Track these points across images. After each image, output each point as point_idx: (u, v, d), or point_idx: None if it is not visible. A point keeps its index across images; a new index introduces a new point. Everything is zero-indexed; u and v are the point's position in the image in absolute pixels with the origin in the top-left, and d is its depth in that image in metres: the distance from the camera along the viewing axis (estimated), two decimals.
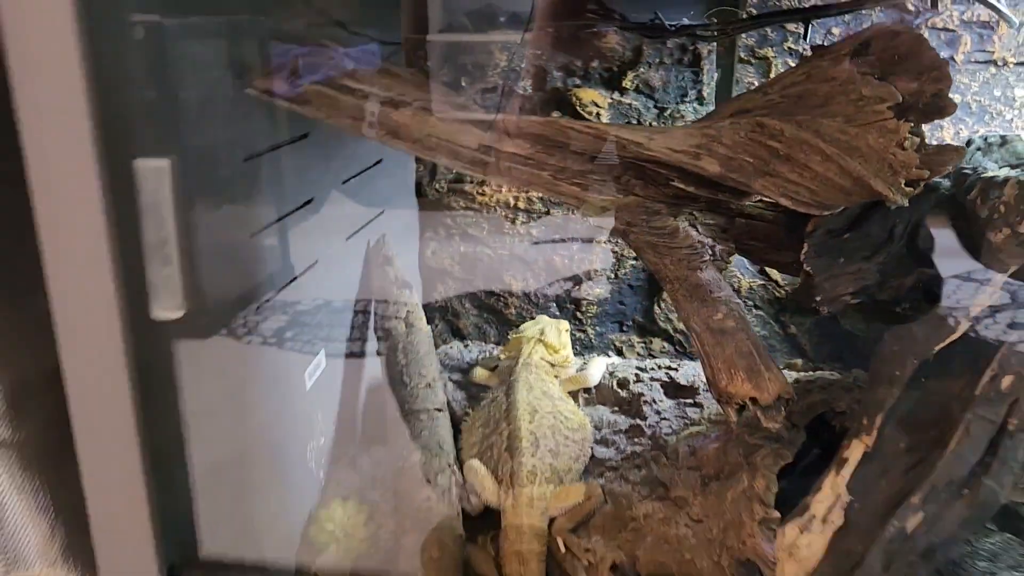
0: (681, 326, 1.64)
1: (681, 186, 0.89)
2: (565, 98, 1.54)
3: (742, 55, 1.48)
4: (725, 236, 0.96)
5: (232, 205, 0.96)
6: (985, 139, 0.93)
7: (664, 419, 1.24)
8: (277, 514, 1.09)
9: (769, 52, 1.46)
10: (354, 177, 1.33)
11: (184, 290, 0.73)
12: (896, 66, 0.80)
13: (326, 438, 1.23)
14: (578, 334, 1.66)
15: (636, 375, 1.36)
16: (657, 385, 1.34)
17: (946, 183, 0.87)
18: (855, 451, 0.84)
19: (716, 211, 0.96)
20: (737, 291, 1.59)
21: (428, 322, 1.70)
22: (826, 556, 0.82)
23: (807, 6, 1.32)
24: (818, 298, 0.87)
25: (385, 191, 1.52)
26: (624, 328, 1.66)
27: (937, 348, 0.82)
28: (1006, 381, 0.80)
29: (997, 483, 0.81)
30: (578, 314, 1.66)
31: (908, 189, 0.76)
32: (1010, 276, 0.79)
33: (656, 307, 1.63)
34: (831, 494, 0.84)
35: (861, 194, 0.77)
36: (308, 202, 1.17)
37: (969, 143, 0.93)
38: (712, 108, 1.52)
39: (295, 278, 1.12)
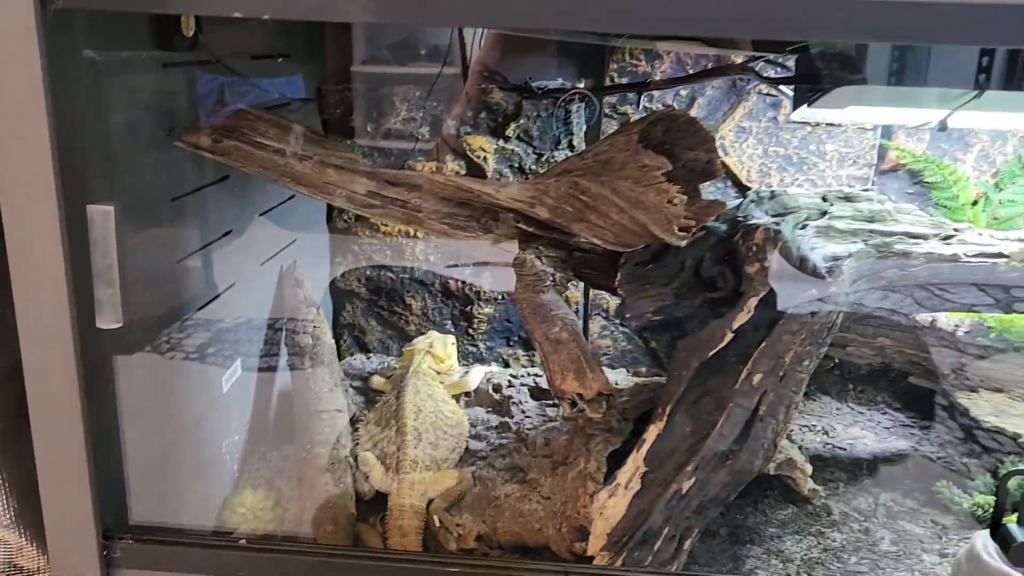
0: None
1: (523, 227, 1.14)
2: (458, 143, 1.79)
3: (606, 111, 1.75)
4: (565, 266, 1.21)
5: (163, 237, 1.17)
6: (758, 193, 1.21)
7: (527, 417, 1.48)
8: (196, 496, 1.29)
9: (628, 109, 1.74)
10: (270, 210, 1.55)
11: (123, 306, 0.93)
12: (679, 140, 1.07)
13: (240, 435, 1.44)
14: (470, 347, 1.90)
15: (509, 381, 1.61)
16: (525, 389, 1.59)
17: (723, 227, 1.14)
18: (652, 433, 1.10)
19: (556, 246, 1.21)
20: (606, 310, 1.86)
21: (337, 337, 1.92)
22: (626, 514, 1.07)
23: (641, 81, 1.59)
24: (628, 315, 1.13)
25: (299, 221, 1.73)
26: (511, 343, 1.91)
27: (711, 353, 1.08)
28: (757, 378, 1.06)
29: (750, 456, 1.07)
30: (470, 330, 1.90)
31: (681, 234, 1.02)
32: (760, 300, 1.06)
33: None
34: (632, 467, 1.09)
35: (647, 237, 1.03)
36: (227, 233, 1.38)
37: (746, 196, 1.20)
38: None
39: (215, 297, 1.33)
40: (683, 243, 1.03)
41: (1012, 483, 1.23)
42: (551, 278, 1.20)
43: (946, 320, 1.52)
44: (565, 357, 1.16)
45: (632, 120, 1.07)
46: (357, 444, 1.44)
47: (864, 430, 1.65)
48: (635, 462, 1.10)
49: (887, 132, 1.73)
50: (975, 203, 1.69)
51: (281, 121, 1.17)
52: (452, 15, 0.86)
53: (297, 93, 1.76)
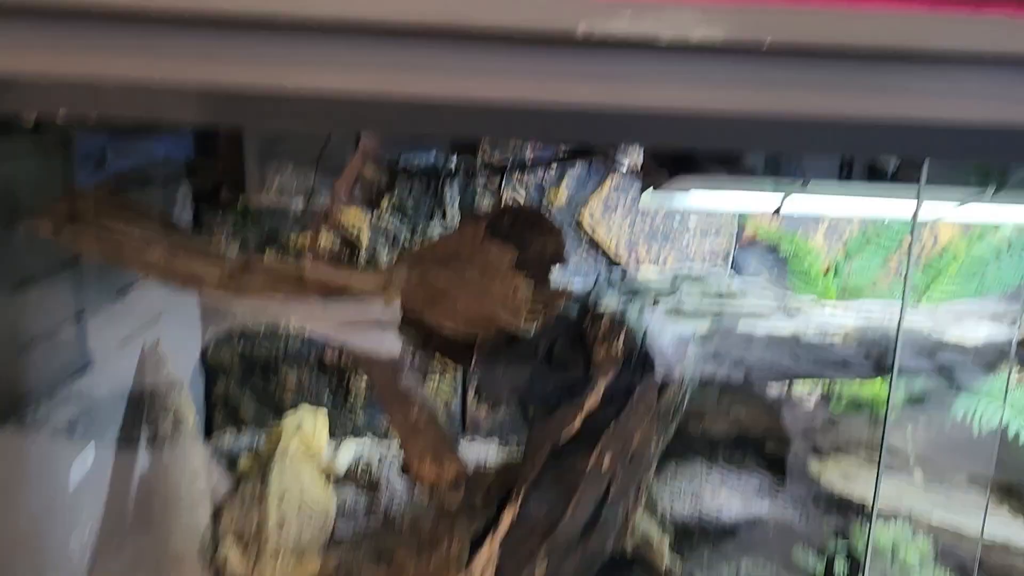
0: (441, 411, 1.89)
1: (382, 314, 1.14)
2: (331, 217, 1.79)
3: (479, 184, 1.79)
4: (425, 347, 1.22)
5: (10, 319, 1.12)
6: (609, 275, 1.25)
7: (396, 497, 1.47)
8: None
9: (502, 185, 1.78)
10: (131, 285, 1.50)
11: None
12: (528, 230, 1.10)
13: (92, 527, 1.37)
14: (349, 417, 1.88)
15: (380, 457, 1.59)
16: (395, 466, 1.57)
17: (575, 311, 1.17)
18: (507, 518, 1.10)
19: (417, 326, 1.21)
20: None
21: (210, 411, 1.87)
22: None
23: (510, 161, 1.63)
24: (483, 396, 1.14)
25: (165, 296, 1.69)
26: None
27: (563, 437, 1.10)
28: (606, 460, 1.09)
29: (602, 538, 1.09)
30: (348, 400, 1.87)
31: (528, 322, 1.04)
32: (608, 383, 1.09)
33: None
34: (488, 553, 1.09)
35: (494, 326, 1.05)
36: (80, 312, 1.33)
37: (597, 280, 1.24)
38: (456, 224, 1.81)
39: (67, 379, 1.28)
40: (530, 331, 1.05)
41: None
42: (410, 361, 1.20)
43: (798, 389, 1.59)
44: (423, 443, 1.16)
45: (500, 201, 1.09)
46: (220, 529, 1.39)
47: (732, 493, 1.70)
48: (490, 548, 1.10)
49: None
50: (827, 273, 1.80)
51: (131, 203, 1.15)
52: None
53: (185, 152, 1.73)
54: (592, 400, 1.09)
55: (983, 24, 0.78)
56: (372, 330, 1.19)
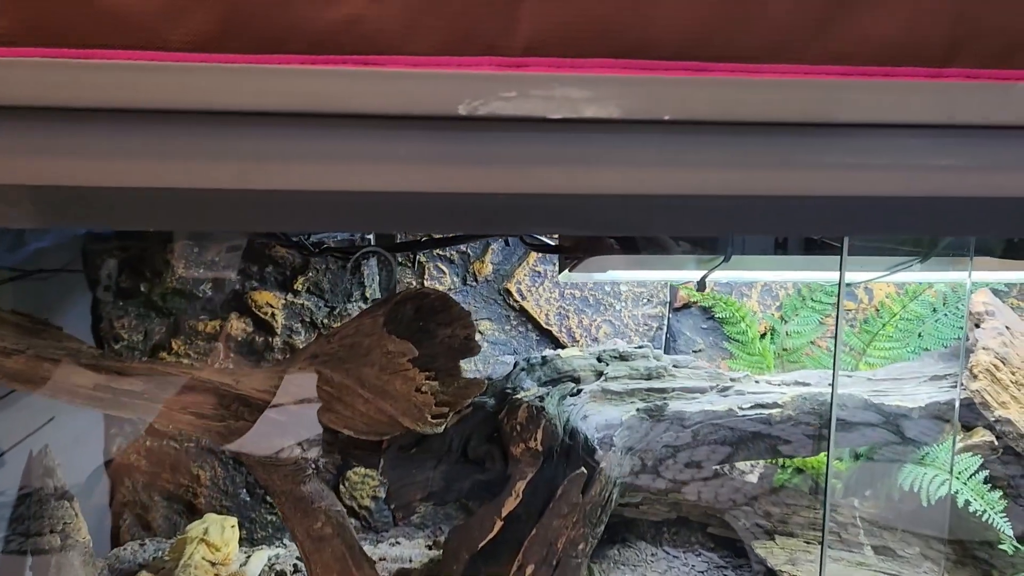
0: (365, 503, 1.77)
1: (275, 416, 1.04)
2: (243, 300, 1.68)
3: (400, 260, 1.70)
4: (331, 449, 1.11)
5: None
6: (528, 360, 1.17)
7: None
8: None
9: (422, 257, 1.69)
10: (9, 394, 1.37)
11: None
12: (432, 318, 1.01)
13: None
14: (269, 517, 1.74)
15: (295, 565, 1.46)
16: None
17: (491, 401, 1.08)
18: None
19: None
20: None
21: (115, 518, 1.71)
22: None
23: (428, 238, 1.55)
24: (392, 505, 1.03)
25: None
26: None
27: (481, 544, 1.00)
28: (529, 569, 0.99)
29: None
30: (268, 498, 1.74)
31: (435, 421, 0.94)
32: (528, 482, 0.99)
33: (341, 486, 1.75)
34: None
35: (397, 427, 0.95)
36: None
37: (516, 364, 1.16)
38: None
39: None
40: (439, 430, 0.95)
41: None
42: (312, 465, 1.09)
43: (739, 466, 1.52)
44: (329, 556, 1.04)
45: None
46: None
47: None
48: None
49: None
50: (763, 336, 1.74)
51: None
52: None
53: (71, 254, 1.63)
54: (510, 503, 0.99)
55: (898, 90, 0.73)
56: (269, 431, 1.08)
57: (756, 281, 1.73)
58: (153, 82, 0.68)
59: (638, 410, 1.10)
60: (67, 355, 1.03)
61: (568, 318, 1.76)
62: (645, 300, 1.76)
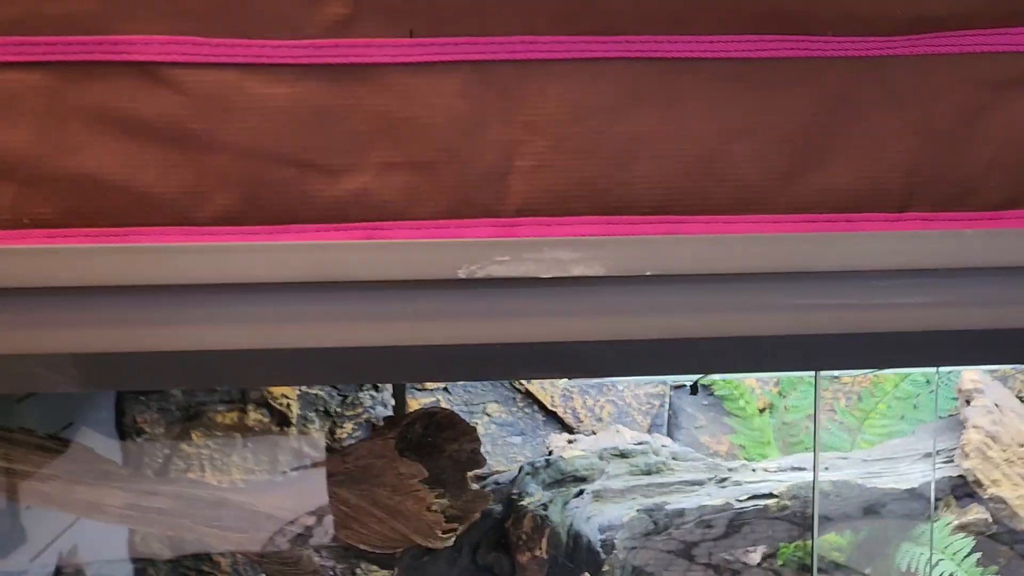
0: None
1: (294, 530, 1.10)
2: (260, 392, 1.75)
3: None
4: (348, 554, 1.17)
5: None
6: (532, 464, 1.22)
7: None
8: None
9: None
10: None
11: None
12: (440, 434, 1.07)
13: None
14: None
15: None
16: None
17: (499, 508, 1.14)
18: None
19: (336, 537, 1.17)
20: None
21: None
22: None
23: None
24: None
25: None
26: None
27: None
28: None
29: None
30: None
31: (445, 536, 1.00)
32: None
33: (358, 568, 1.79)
34: None
35: (410, 543, 1.01)
36: None
37: (521, 469, 1.21)
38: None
39: None
40: (449, 543, 1.01)
41: None
42: (330, 573, 1.15)
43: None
44: None
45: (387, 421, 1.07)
46: None
47: None
48: None
49: None
50: (763, 411, 1.79)
51: (19, 438, 1.10)
52: None
53: None
54: None
55: (859, 240, 0.80)
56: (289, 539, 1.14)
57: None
58: (181, 261, 0.75)
59: (638, 511, 1.15)
60: (99, 477, 1.10)
61: (572, 399, 1.82)
62: (647, 380, 1.82)
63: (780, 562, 1.45)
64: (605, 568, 1.07)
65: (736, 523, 1.22)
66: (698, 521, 1.18)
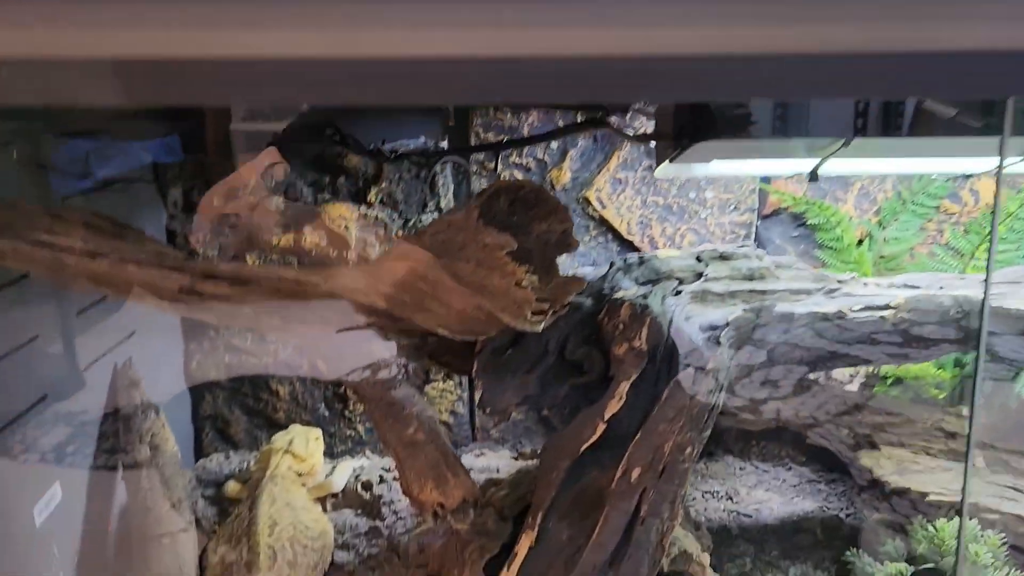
0: (443, 418, 1.74)
1: (363, 316, 0.99)
2: (315, 213, 1.64)
3: (474, 167, 1.63)
4: (419, 354, 1.07)
5: None
6: (625, 260, 1.10)
7: (400, 519, 1.32)
8: None
9: (496, 163, 1.62)
10: (92, 306, 1.36)
11: None
12: (528, 212, 0.95)
13: (66, 573, 1.23)
14: (348, 431, 1.73)
15: (380, 476, 1.44)
16: (398, 485, 1.42)
17: (588, 302, 1.02)
18: (523, 546, 0.96)
19: (408, 331, 1.06)
20: None
21: (198, 432, 1.72)
22: None
23: (502, 141, 1.48)
24: (488, 410, 0.99)
25: (139, 311, 1.54)
26: None
27: (583, 449, 0.95)
28: (635, 474, 0.94)
29: (635, 565, 0.94)
30: (346, 412, 1.73)
31: (535, 318, 0.89)
32: (631, 384, 0.93)
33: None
34: None
35: (496, 325, 0.89)
36: (34, 338, 1.19)
37: (612, 265, 1.09)
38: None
39: (16, 418, 1.13)
40: (538, 329, 0.90)
41: None
42: (403, 370, 1.05)
43: (841, 374, 1.44)
44: (422, 462, 1.01)
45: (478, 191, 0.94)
46: (206, 569, 1.25)
47: (769, 491, 1.55)
48: None
49: (765, 176, 1.67)
50: (860, 243, 1.64)
51: (66, 214, 1.00)
52: None
53: (175, 156, 1.60)
54: (613, 405, 0.94)
55: None
56: (359, 337, 1.04)
57: (854, 181, 1.63)
58: None
59: (745, 309, 1.03)
60: (151, 258, 1.00)
61: (650, 227, 1.69)
62: (732, 207, 1.67)
63: (881, 390, 1.34)
64: (709, 365, 0.95)
65: (845, 333, 1.09)
66: (809, 327, 1.06)
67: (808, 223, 1.65)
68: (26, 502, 1.15)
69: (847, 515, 1.44)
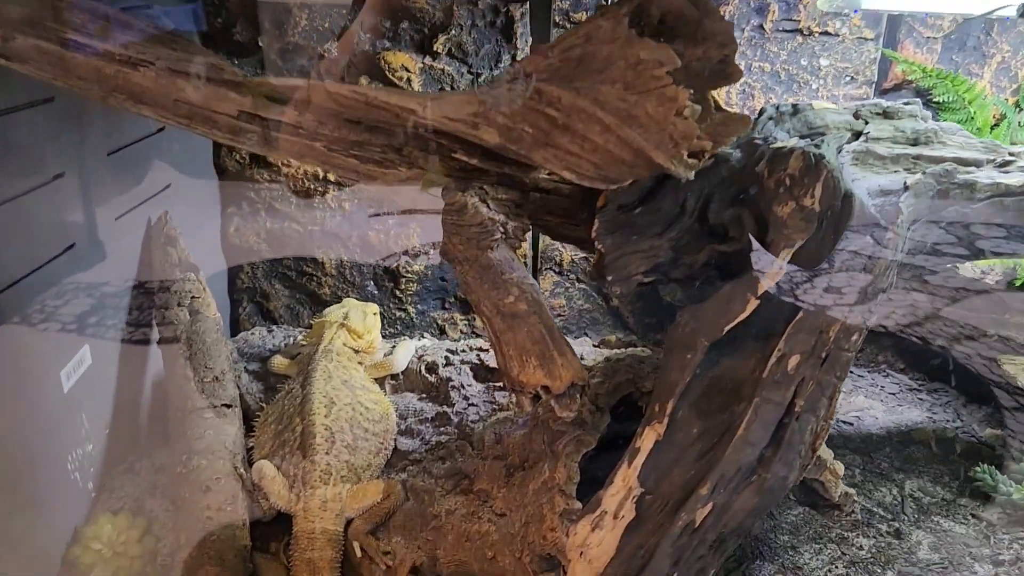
0: None
1: (463, 158, 0.81)
2: (374, 62, 1.43)
3: (557, 19, 1.42)
4: (519, 212, 0.89)
5: None
6: (777, 108, 0.91)
7: (472, 405, 1.17)
8: (31, 535, 0.95)
9: (583, 16, 1.41)
10: (125, 147, 1.18)
11: None
12: (679, 30, 0.75)
13: (95, 444, 1.09)
14: (398, 313, 1.58)
15: (446, 358, 1.29)
16: (467, 368, 1.27)
17: (737, 154, 0.84)
18: (647, 440, 0.80)
19: (508, 185, 0.88)
20: (560, 263, 1.55)
21: (235, 305, 1.57)
22: (616, 554, 0.78)
23: None
24: (610, 278, 0.82)
25: (174, 162, 1.36)
26: (447, 306, 1.58)
27: (727, 328, 0.79)
28: (792, 361, 0.77)
29: (785, 467, 0.78)
30: (397, 292, 1.57)
31: (691, 161, 0.71)
32: (793, 253, 0.76)
33: None
34: (623, 487, 0.80)
35: (643, 167, 0.71)
36: (59, 176, 1.01)
37: (762, 112, 0.90)
38: None
39: (41, 267, 0.97)
40: (690, 175, 0.72)
41: None
42: (501, 229, 0.88)
43: (970, 268, 1.26)
44: (524, 336, 0.84)
45: (600, 7, 0.74)
46: (252, 449, 1.11)
47: (868, 398, 1.40)
48: (625, 481, 0.80)
49: (891, 42, 1.45)
50: (995, 126, 1.43)
51: (104, 9, 0.81)
52: None
53: (199, 25, 1.40)
54: (772, 277, 0.76)
55: None
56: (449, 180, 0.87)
57: (993, 55, 1.41)
58: None
59: (924, 173, 0.84)
60: (206, 72, 0.81)
61: (753, 98, 1.48)
62: (848, 78, 1.46)
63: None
64: (889, 236, 0.78)
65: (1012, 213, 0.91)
66: (989, 201, 0.87)
67: (934, 101, 1.43)
68: (52, 365, 1.00)
69: (958, 430, 1.29)
